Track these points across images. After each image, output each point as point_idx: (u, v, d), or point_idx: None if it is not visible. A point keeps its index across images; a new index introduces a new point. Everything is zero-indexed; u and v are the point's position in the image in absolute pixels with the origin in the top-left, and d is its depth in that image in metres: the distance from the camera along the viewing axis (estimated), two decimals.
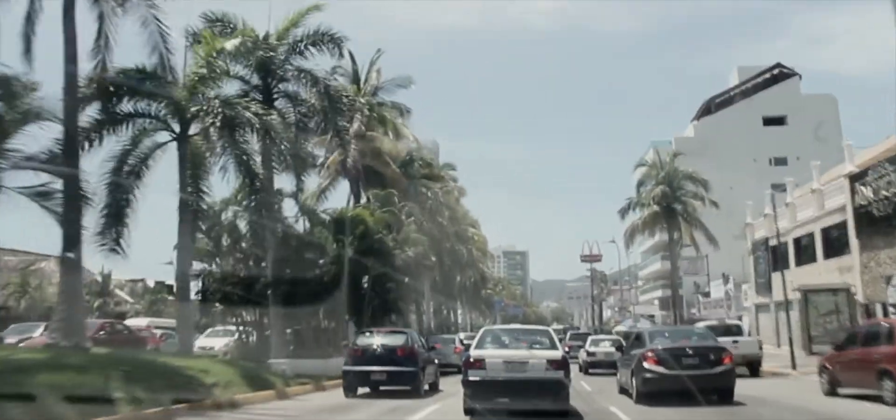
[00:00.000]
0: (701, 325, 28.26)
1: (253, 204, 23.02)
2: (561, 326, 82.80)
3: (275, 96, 24.98)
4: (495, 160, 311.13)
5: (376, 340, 19.07)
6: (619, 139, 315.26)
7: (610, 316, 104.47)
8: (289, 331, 25.21)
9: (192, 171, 21.63)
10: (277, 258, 23.91)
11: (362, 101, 32.55)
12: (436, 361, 21.55)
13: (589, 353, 29.12)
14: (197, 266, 24.72)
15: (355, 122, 30.99)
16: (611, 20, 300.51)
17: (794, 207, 37.47)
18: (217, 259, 27.07)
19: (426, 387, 19.21)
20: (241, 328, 26.27)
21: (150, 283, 57.26)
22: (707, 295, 61.86)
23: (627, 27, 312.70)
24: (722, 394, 15.38)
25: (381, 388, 18.62)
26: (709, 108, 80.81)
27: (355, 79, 36.20)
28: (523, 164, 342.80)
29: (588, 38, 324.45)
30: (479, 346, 13.99)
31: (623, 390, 18.16)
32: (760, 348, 26.58)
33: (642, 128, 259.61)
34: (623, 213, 49.72)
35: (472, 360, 13.49)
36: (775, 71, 78.48)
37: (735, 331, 26.50)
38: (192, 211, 21.53)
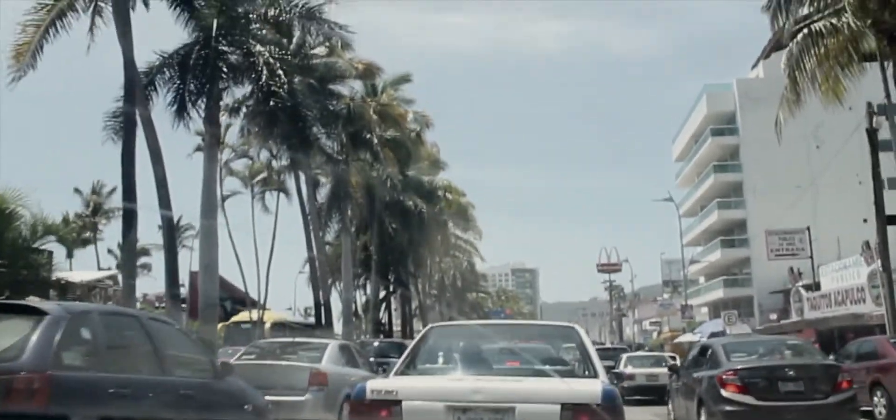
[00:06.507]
0: None
1: None
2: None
3: None
4: (505, 183, 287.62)
5: None
6: (635, 165, 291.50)
7: (635, 332, 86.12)
8: None
9: None
10: None
11: None
12: (248, 409, 7.50)
13: (625, 377, 21.12)
14: None
15: None
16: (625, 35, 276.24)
17: None
18: None
19: None
20: None
21: None
22: (811, 288, 38.43)
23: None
24: None
25: None
26: (779, 44, 59.42)
27: None
28: (536, 188, 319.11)
29: (604, 54, 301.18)
30: (407, 368, 5.83)
31: None
32: None
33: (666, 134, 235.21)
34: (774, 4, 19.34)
35: (368, 399, 5.33)
36: None
37: None
38: None
